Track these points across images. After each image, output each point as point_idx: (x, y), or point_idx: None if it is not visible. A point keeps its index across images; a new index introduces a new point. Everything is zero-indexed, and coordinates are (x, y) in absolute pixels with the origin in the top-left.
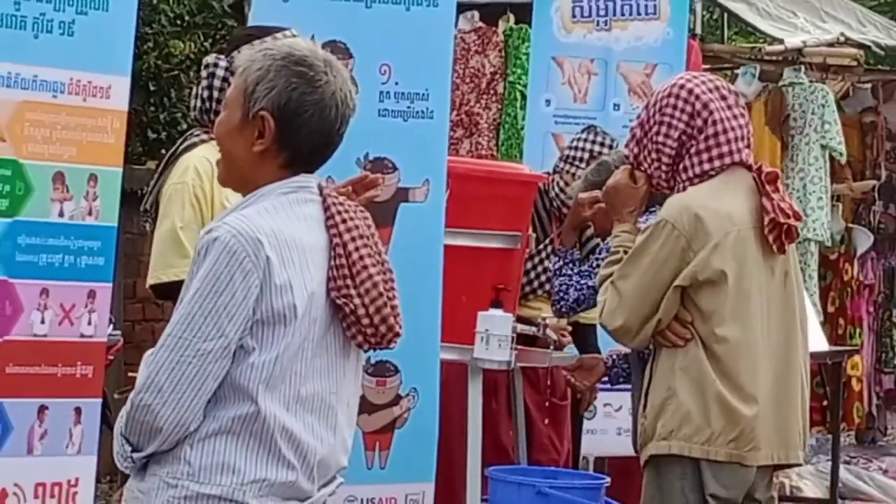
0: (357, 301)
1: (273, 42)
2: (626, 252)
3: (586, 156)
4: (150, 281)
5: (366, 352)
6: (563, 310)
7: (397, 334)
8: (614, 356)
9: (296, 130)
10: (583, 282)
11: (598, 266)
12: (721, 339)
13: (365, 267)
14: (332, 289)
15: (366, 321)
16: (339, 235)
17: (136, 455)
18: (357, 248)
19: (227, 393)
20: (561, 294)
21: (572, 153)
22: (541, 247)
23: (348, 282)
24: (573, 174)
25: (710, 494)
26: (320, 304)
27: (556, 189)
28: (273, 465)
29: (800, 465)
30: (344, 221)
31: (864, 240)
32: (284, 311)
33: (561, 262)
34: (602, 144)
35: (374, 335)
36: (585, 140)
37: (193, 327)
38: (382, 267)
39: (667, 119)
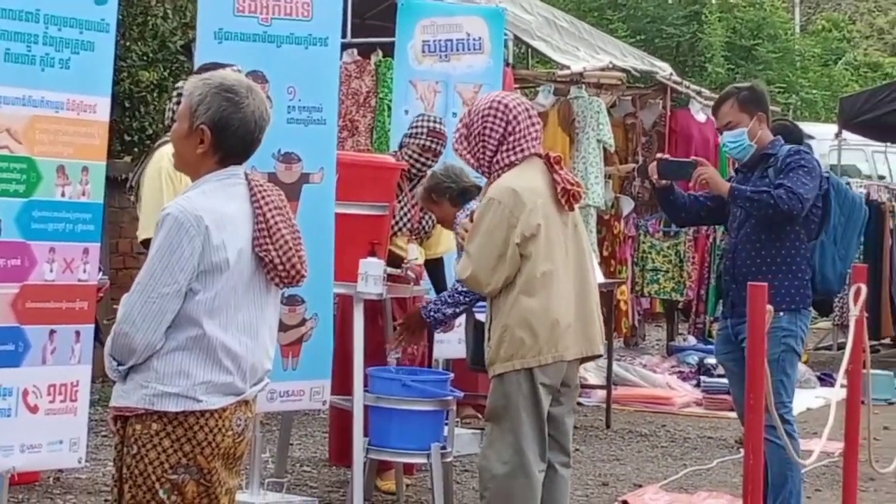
0: (273, 254)
1: (210, 73)
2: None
3: (423, 130)
4: (141, 237)
5: (281, 289)
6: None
7: (303, 276)
8: (430, 306)
9: (226, 138)
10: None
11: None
12: (542, 275)
13: (279, 229)
14: (255, 246)
15: (280, 268)
16: (260, 208)
17: (120, 367)
18: (273, 216)
19: (182, 321)
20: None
21: (411, 130)
22: (398, 200)
23: (267, 240)
24: (416, 143)
25: (540, 383)
26: (247, 257)
27: (405, 157)
28: (216, 371)
29: (601, 355)
30: (263, 198)
31: (627, 205)
32: (220, 263)
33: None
34: (429, 120)
35: (286, 277)
36: (420, 119)
37: (155, 277)
38: (291, 229)
39: (489, 124)
